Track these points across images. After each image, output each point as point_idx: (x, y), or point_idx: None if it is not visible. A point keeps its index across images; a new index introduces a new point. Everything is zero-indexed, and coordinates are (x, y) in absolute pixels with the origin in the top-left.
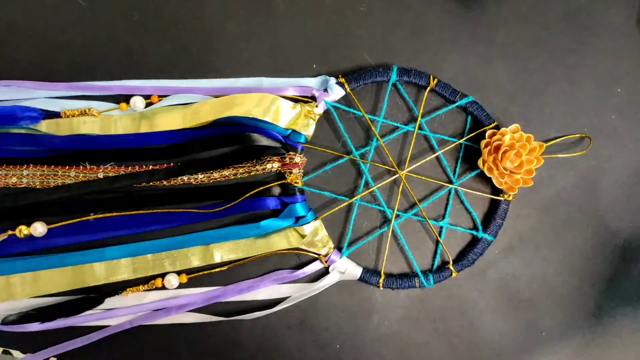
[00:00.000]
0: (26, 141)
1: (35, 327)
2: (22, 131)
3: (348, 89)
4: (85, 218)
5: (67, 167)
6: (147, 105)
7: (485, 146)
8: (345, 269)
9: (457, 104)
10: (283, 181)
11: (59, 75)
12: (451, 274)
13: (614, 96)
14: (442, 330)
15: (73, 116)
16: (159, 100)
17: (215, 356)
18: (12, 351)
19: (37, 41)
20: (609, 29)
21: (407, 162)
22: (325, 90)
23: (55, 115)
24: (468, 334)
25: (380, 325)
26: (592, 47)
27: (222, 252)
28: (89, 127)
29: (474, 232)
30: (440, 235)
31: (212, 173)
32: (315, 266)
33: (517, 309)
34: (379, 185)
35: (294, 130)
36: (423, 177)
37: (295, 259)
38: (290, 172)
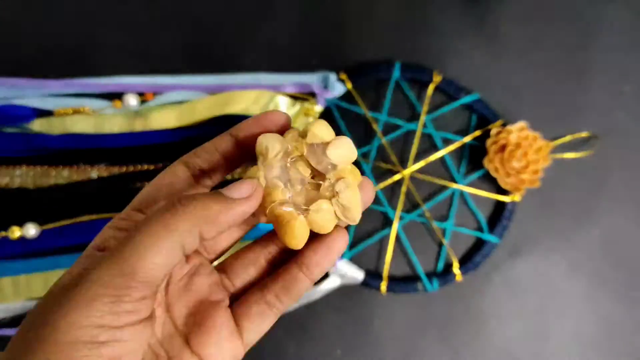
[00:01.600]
0: (18, 140)
1: None
2: (14, 130)
3: (349, 86)
4: (79, 219)
5: (61, 166)
6: (142, 102)
7: (491, 145)
8: (347, 272)
9: (461, 101)
10: None
11: (51, 72)
12: (456, 278)
13: (622, 95)
14: (447, 336)
15: (66, 114)
16: (154, 98)
17: None
18: None
19: (29, 38)
20: (617, 26)
21: (410, 162)
22: (326, 86)
23: (48, 113)
24: (473, 340)
25: (382, 330)
26: (599, 44)
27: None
28: (82, 125)
29: (479, 234)
30: (444, 237)
31: None
32: None
33: (524, 314)
34: (382, 185)
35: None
36: (427, 177)
37: None
38: None
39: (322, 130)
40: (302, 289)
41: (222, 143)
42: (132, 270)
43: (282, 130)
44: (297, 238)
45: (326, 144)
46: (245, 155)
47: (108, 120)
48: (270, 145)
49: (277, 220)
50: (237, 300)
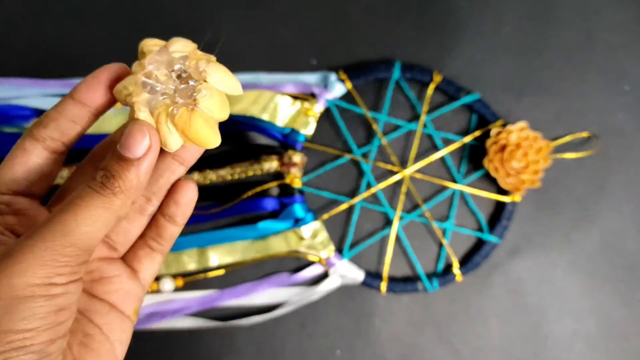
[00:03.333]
0: None
1: None
2: (14, 130)
3: (349, 86)
4: None
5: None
6: None
7: (491, 145)
8: (347, 272)
9: (461, 101)
10: (282, 181)
11: (51, 72)
12: (456, 278)
13: (622, 94)
14: (447, 336)
15: None
16: None
17: None
18: None
19: (29, 38)
20: (617, 25)
21: (410, 162)
22: (326, 86)
23: None
24: (473, 339)
25: (382, 330)
26: (600, 44)
27: (219, 255)
28: None
29: (480, 234)
30: (444, 237)
31: (207, 173)
32: (316, 269)
33: (524, 313)
34: (382, 185)
35: (293, 129)
36: (427, 177)
37: (295, 262)
38: (289, 172)
39: (149, 42)
40: (173, 233)
41: (67, 108)
42: (76, 242)
43: (125, 74)
44: (206, 132)
45: (164, 47)
46: (94, 115)
47: (108, 121)
48: (127, 84)
49: (182, 129)
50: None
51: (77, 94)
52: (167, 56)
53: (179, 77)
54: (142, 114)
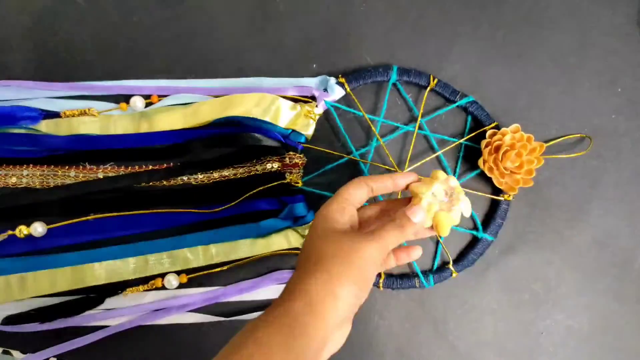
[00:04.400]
0: (26, 141)
1: (35, 327)
2: (22, 131)
3: (348, 89)
4: (85, 218)
5: (67, 167)
6: (147, 105)
7: (486, 146)
8: None
9: (457, 103)
10: (283, 181)
11: (58, 75)
12: (451, 274)
13: (614, 96)
14: (442, 331)
15: (72, 116)
16: (159, 100)
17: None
18: (12, 351)
19: (36, 41)
20: (609, 29)
21: (407, 163)
22: (325, 90)
23: (54, 115)
24: (468, 335)
25: (379, 326)
26: (592, 47)
27: (222, 252)
28: (88, 127)
29: (474, 232)
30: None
31: (211, 173)
32: None
33: (517, 310)
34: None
35: (293, 130)
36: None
37: (296, 259)
38: (290, 172)
39: (440, 177)
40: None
41: (389, 183)
42: (386, 247)
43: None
44: (445, 227)
45: (443, 181)
46: (393, 189)
47: (114, 122)
48: (424, 189)
49: (435, 220)
50: None
51: (397, 180)
52: (442, 185)
53: (446, 195)
54: (424, 202)
